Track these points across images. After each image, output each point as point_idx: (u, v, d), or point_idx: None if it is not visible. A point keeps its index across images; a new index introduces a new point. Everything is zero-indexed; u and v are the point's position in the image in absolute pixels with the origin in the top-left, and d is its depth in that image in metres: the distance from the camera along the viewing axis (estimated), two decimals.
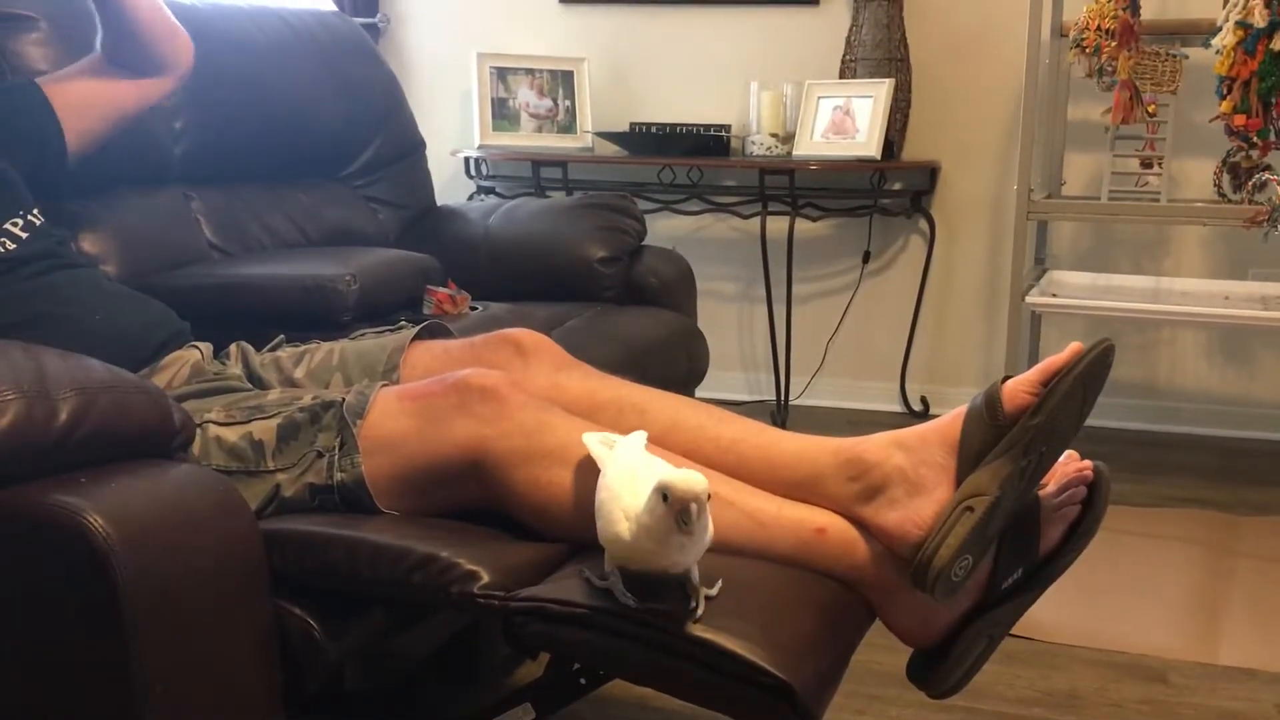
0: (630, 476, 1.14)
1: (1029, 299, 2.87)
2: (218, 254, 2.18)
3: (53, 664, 1.08)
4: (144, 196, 2.11)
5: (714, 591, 1.16)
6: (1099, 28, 2.73)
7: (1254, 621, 2.11)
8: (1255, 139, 2.64)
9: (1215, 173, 2.78)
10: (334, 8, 3.42)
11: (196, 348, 1.62)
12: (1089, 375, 1.25)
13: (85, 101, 1.79)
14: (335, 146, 2.59)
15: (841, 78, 3.33)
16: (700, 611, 1.13)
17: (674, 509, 1.07)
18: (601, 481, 1.17)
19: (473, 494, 1.33)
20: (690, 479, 1.07)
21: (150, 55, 1.82)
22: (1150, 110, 2.74)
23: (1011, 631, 1.36)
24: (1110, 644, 2.02)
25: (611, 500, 1.14)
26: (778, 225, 3.28)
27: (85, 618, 1.05)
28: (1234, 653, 1.99)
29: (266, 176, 2.43)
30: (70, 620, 1.06)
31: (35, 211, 1.61)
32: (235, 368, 1.60)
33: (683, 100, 3.55)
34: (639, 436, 1.26)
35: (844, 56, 3.33)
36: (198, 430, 1.35)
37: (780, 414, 3.36)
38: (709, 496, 1.08)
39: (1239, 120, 2.62)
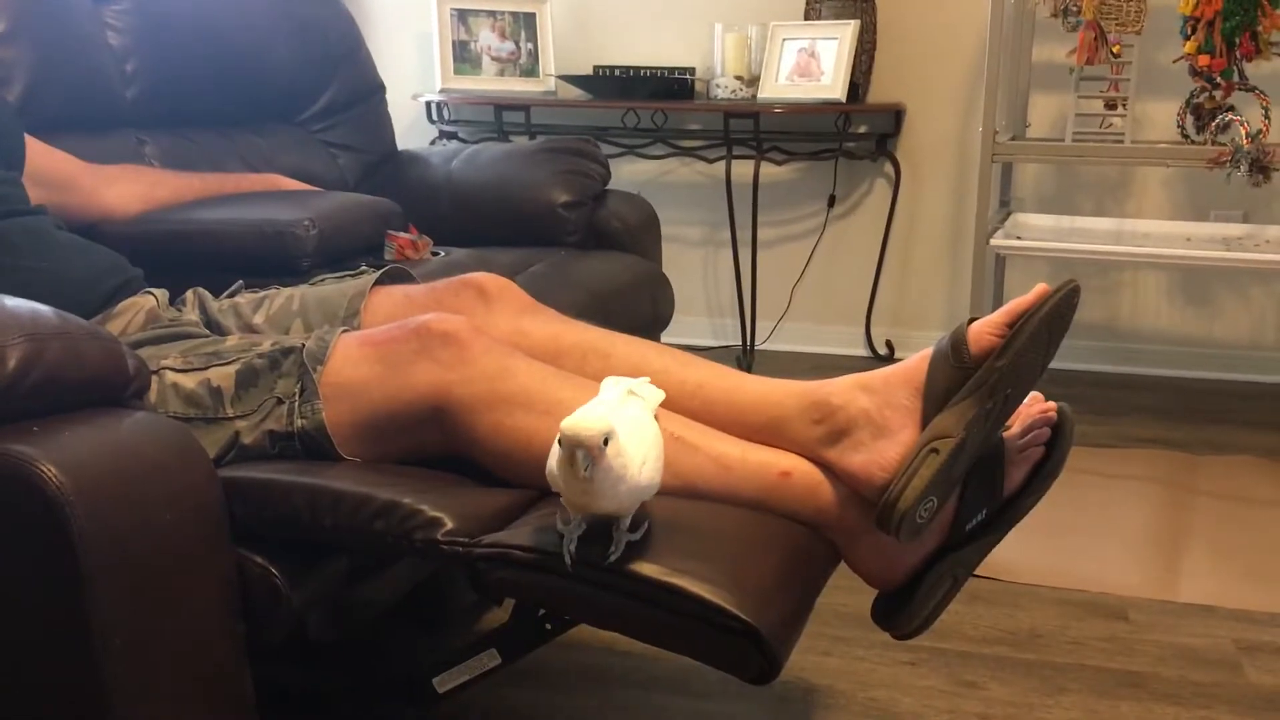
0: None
1: (993, 242, 2.87)
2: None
3: (7, 617, 1.07)
4: (95, 140, 2.06)
5: (637, 536, 1.15)
6: None
7: (1213, 559, 2.14)
8: (1219, 79, 2.65)
9: (1179, 113, 2.79)
10: None
11: (152, 294, 1.59)
12: (1054, 317, 1.25)
13: (50, 154, 1.82)
14: (291, 89, 2.54)
15: (806, 19, 3.30)
16: (614, 557, 1.11)
17: (565, 452, 1.05)
18: None
19: (435, 440, 1.32)
20: (580, 424, 1.04)
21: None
22: (1115, 51, 2.74)
23: (975, 572, 1.36)
24: (1072, 583, 2.04)
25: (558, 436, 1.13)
26: (743, 169, 3.26)
27: (40, 570, 1.03)
28: (1193, 590, 2.01)
29: (221, 120, 2.39)
30: (25, 573, 1.04)
31: None
32: (192, 314, 1.57)
33: (646, 43, 3.51)
34: (653, 395, 1.22)
35: None
36: (154, 377, 1.33)
37: (746, 359, 3.36)
38: (605, 442, 1.05)
39: (1203, 60, 2.63)
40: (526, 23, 3.51)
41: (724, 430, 1.34)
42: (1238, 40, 2.59)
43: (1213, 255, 2.77)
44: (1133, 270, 3.33)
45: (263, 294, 1.61)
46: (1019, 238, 2.94)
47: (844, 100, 3.15)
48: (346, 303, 1.55)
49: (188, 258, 1.81)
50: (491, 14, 3.49)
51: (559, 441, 1.06)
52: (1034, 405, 1.34)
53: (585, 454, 1.05)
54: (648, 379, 1.25)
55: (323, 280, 1.63)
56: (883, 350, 3.52)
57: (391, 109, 2.78)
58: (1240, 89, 2.67)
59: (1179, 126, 2.80)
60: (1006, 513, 1.33)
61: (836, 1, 3.24)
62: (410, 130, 3.53)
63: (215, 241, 1.84)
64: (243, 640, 1.21)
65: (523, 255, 2.26)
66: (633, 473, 1.09)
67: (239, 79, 2.41)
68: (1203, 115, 2.72)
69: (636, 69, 3.41)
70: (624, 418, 1.11)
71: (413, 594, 1.64)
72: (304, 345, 1.35)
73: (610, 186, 2.61)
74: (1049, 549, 2.15)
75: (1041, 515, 1.38)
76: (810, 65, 3.19)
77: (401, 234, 2.09)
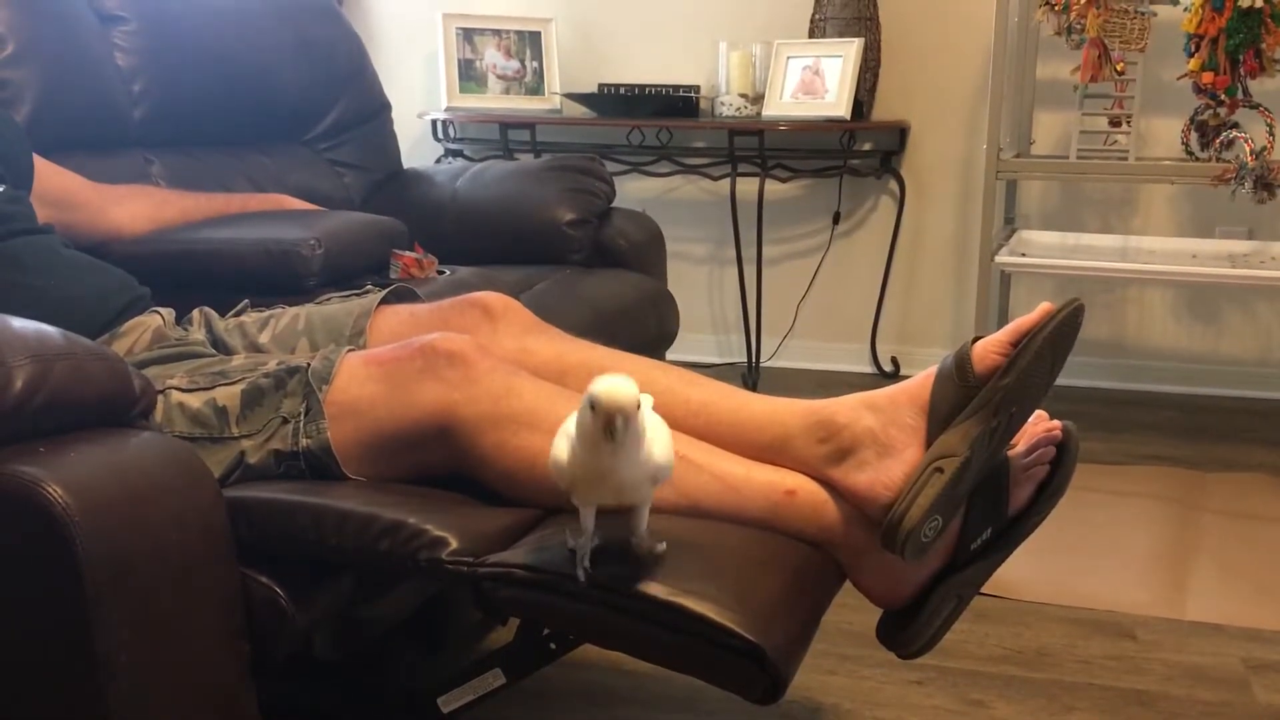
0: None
1: (998, 259, 2.87)
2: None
3: (13, 636, 1.07)
4: (102, 160, 2.08)
5: (659, 550, 1.14)
6: None
7: (1220, 577, 2.13)
8: (1223, 96, 2.65)
9: (1183, 131, 2.79)
10: None
11: (158, 313, 1.59)
12: (1059, 335, 1.25)
13: (57, 174, 1.82)
14: (298, 108, 2.55)
15: (811, 37, 3.31)
16: (641, 550, 1.12)
17: (600, 419, 1.05)
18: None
19: (440, 459, 1.32)
20: (616, 389, 1.05)
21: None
22: (1119, 68, 2.74)
23: (981, 590, 1.36)
24: (1078, 601, 2.03)
25: (560, 429, 1.13)
26: (747, 186, 3.26)
27: (45, 589, 1.04)
28: (1201, 608, 2.01)
29: (228, 139, 2.40)
30: (30, 592, 1.05)
31: None
32: (198, 333, 1.58)
33: (651, 61, 3.52)
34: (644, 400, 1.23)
35: (813, 15, 3.31)
36: (160, 396, 1.33)
37: (751, 376, 3.36)
38: (638, 406, 1.06)
39: (1207, 78, 2.63)
40: (532, 41, 3.52)
41: (729, 449, 1.34)
42: (1241, 57, 2.60)
43: (1219, 272, 2.77)
44: (1138, 287, 3.32)
45: (268, 313, 1.61)
46: (1024, 255, 2.94)
47: (848, 118, 3.15)
48: (352, 322, 1.55)
49: (194, 277, 1.81)
50: (497, 32, 3.50)
51: (592, 409, 1.06)
52: (1039, 423, 1.34)
53: (623, 416, 1.05)
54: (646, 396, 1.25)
55: (328, 299, 1.64)
56: (888, 367, 3.52)
57: (397, 127, 2.79)
58: (1244, 106, 2.68)
59: (1183, 143, 2.80)
60: (1012, 531, 1.33)
61: (840, 19, 3.25)
62: (416, 148, 3.54)
63: (221, 261, 1.84)
64: (248, 659, 1.21)
65: (528, 274, 2.26)
66: (648, 443, 1.09)
67: (246, 99, 2.42)
68: (1207, 132, 2.72)
69: (641, 87, 3.42)
70: None
71: (418, 613, 1.64)
72: (309, 364, 1.36)
73: (615, 204, 2.62)
74: (1055, 567, 2.14)
75: (1048, 533, 1.38)
76: (815, 83, 3.20)
77: (407, 253, 2.09)
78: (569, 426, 1.11)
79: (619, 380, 1.07)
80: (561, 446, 1.11)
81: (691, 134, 3.46)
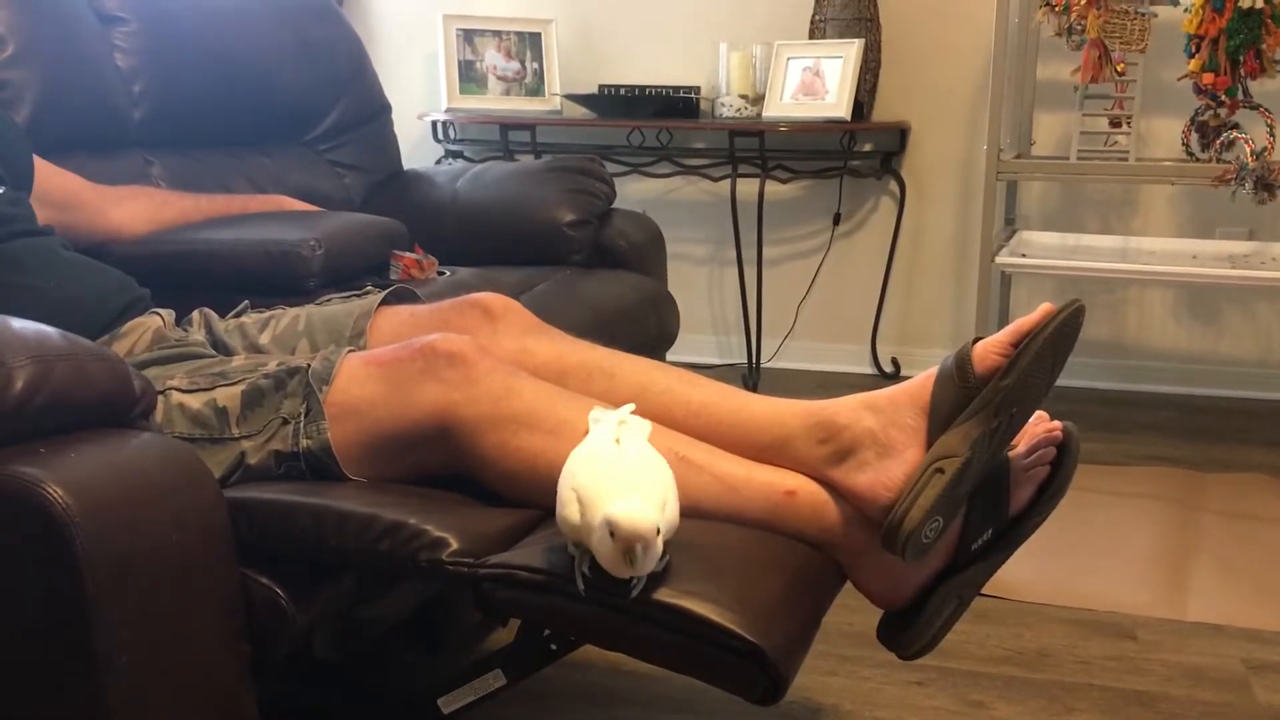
0: (593, 457, 1.14)
1: (999, 260, 2.87)
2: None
3: (12, 637, 1.07)
4: (102, 161, 2.08)
5: (659, 568, 1.15)
6: None
7: (1221, 577, 2.13)
8: (1223, 97, 2.65)
9: (1184, 131, 2.79)
10: None
11: (158, 314, 1.59)
12: (1059, 336, 1.25)
13: (57, 174, 1.82)
14: (299, 109, 2.55)
15: (811, 38, 3.31)
16: (637, 591, 1.11)
17: (619, 545, 1.06)
18: (571, 454, 1.16)
19: (440, 460, 1.32)
20: (636, 520, 1.05)
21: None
22: (1119, 69, 2.74)
23: (981, 591, 1.36)
24: (1079, 601, 2.03)
25: (567, 477, 1.13)
26: (748, 187, 3.26)
27: (45, 590, 1.04)
28: (1201, 609, 2.01)
29: (228, 140, 2.40)
30: (29, 593, 1.05)
31: None
32: (198, 334, 1.58)
33: (651, 62, 3.52)
34: (642, 426, 1.23)
35: (813, 16, 3.31)
36: (160, 397, 1.33)
37: (751, 377, 3.36)
38: (658, 531, 1.06)
39: (1207, 78, 2.63)
40: (532, 42, 3.52)
41: (729, 450, 1.34)
42: (1242, 58, 2.60)
43: (1219, 273, 2.77)
44: (1139, 287, 3.32)
45: (269, 314, 1.61)
46: (1024, 256, 2.94)
47: (849, 119, 3.15)
48: (352, 323, 1.55)
49: (194, 278, 1.81)
50: (497, 34, 3.50)
51: (611, 535, 1.06)
52: (1039, 424, 1.34)
53: (645, 546, 1.06)
54: (632, 405, 1.25)
55: (328, 300, 1.64)
56: (888, 368, 3.52)
57: (397, 128, 2.79)
58: (1245, 106, 2.68)
59: (1184, 144, 2.81)
60: (1013, 532, 1.33)
61: (841, 20, 3.25)
62: (416, 150, 3.54)
63: (221, 262, 1.84)
64: (248, 660, 1.21)
65: (528, 274, 2.26)
66: (662, 543, 1.09)
67: (246, 99, 2.42)
68: (1207, 133, 2.72)
69: (641, 88, 3.42)
70: (636, 467, 1.13)
71: (418, 613, 1.64)
72: (309, 365, 1.36)
73: (615, 205, 2.62)
74: (1056, 568, 2.14)
75: (1048, 534, 1.37)
76: (815, 84, 3.20)
77: (407, 253, 2.09)
78: (576, 480, 1.12)
79: (639, 507, 1.07)
80: (571, 502, 1.11)
81: (692, 135, 3.46)
